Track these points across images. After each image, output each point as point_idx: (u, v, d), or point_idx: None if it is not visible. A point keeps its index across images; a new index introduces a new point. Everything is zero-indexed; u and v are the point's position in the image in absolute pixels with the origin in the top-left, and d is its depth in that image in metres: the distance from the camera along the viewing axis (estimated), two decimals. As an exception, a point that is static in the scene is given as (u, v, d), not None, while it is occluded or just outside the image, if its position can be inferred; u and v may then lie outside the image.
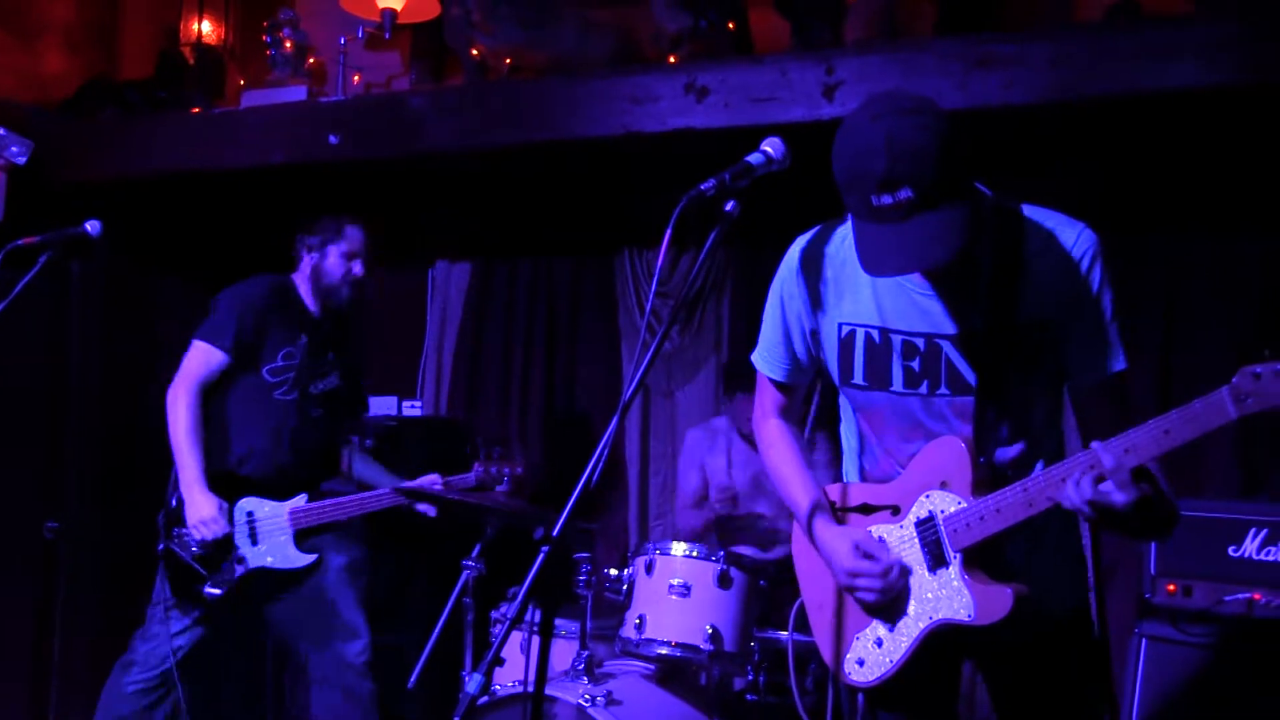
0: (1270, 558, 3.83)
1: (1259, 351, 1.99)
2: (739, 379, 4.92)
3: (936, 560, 2.42)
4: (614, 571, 4.07)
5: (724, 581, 3.89)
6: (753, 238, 5.56)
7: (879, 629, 2.52)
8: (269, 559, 4.19)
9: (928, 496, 2.44)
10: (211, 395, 4.23)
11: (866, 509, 2.57)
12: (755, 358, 2.76)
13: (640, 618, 3.89)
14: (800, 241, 2.63)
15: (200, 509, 4.07)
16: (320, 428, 4.37)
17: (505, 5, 5.27)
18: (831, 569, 2.56)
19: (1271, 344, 1.97)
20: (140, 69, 6.05)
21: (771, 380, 2.75)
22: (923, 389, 2.44)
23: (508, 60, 5.42)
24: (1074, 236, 2.35)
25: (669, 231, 2.20)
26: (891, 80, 4.37)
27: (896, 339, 2.45)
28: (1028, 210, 2.41)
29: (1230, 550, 3.91)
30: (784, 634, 4.14)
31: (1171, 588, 3.94)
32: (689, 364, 5.77)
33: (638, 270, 5.83)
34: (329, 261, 4.37)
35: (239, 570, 4.15)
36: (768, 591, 4.17)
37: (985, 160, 4.57)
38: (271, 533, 4.19)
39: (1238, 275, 4.85)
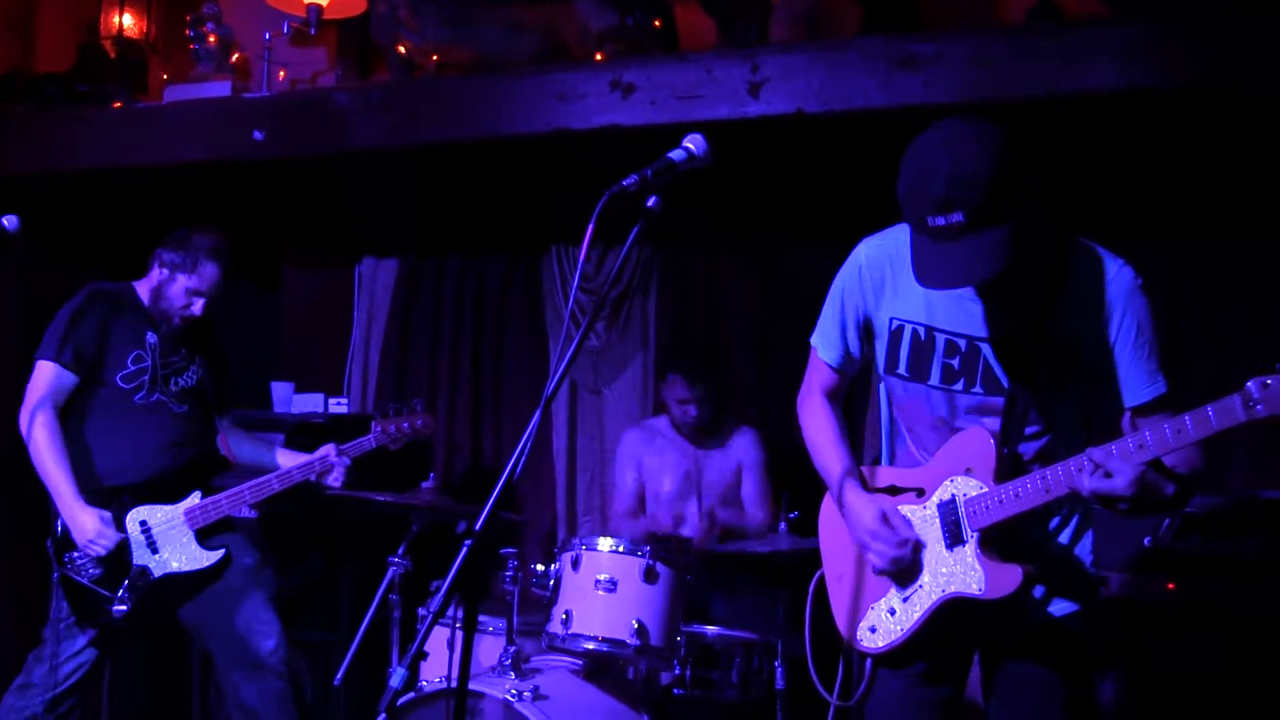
0: (1183, 546, 3.92)
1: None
2: (670, 360, 5.04)
3: (954, 538, 2.61)
4: (540, 567, 4.08)
5: (650, 576, 3.91)
6: (679, 236, 5.59)
7: (894, 599, 2.71)
8: (175, 564, 4.10)
9: (952, 481, 2.63)
10: (70, 415, 4.10)
11: (894, 490, 2.76)
12: (814, 339, 2.93)
13: (567, 613, 3.89)
14: (866, 242, 2.81)
15: (85, 526, 3.96)
16: (189, 424, 4.26)
17: (431, 2, 5.25)
18: (853, 531, 2.75)
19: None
20: (58, 62, 5.95)
21: (825, 363, 2.91)
22: (958, 385, 2.65)
23: (434, 57, 5.40)
24: (1115, 270, 2.57)
25: (591, 227, 2.23)
26: (816, 79, 4.41)
27: (940, 337, 2.65)
28: (1083, 240, 2.63)
29: (1146, 539, 3.99)
30: (710, 628, 4.18)
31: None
32: (616, 361, 5.78)
33: (565, 268, 5.83)
34: (172, 289, 4.21)
35: (144, 582, 4.04)
36: (694, 586, 4.21)
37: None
38: (171, 537, 4.10)
39: (1156, 274, 4.93)
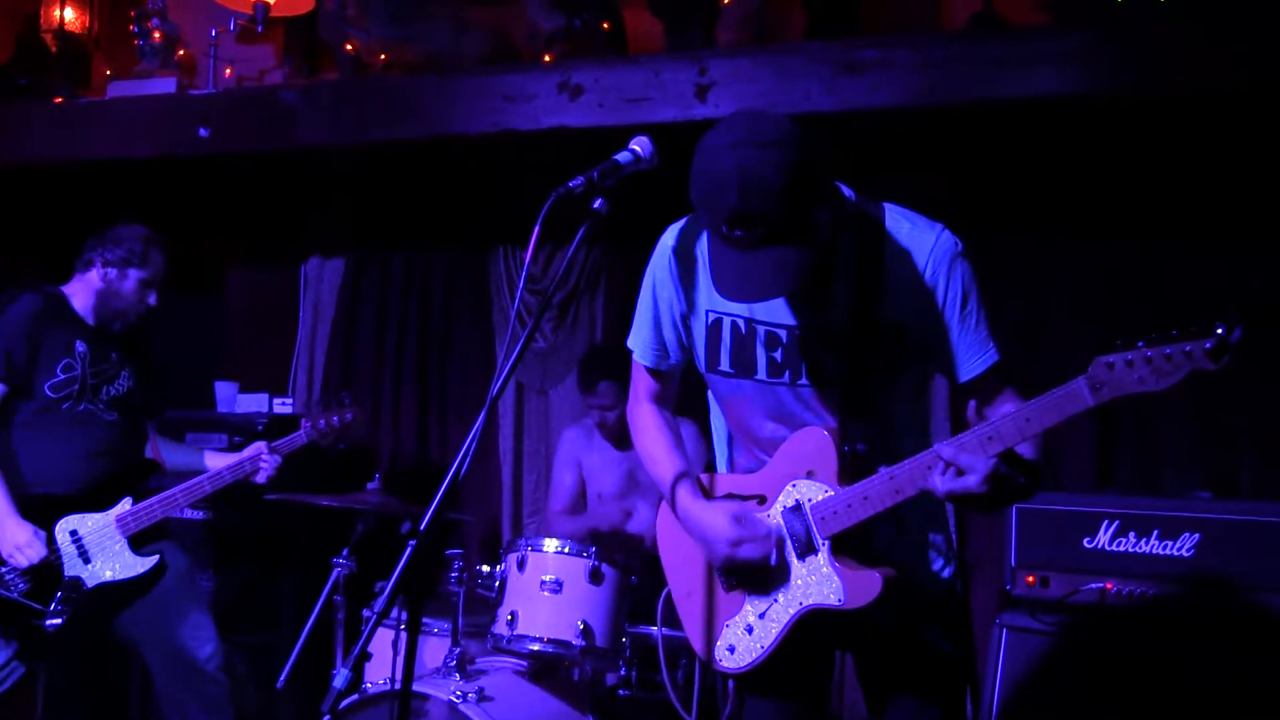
0: (1121, 548, 3.98)
1: (1112, 342, 2.08)
2: (601, 367, 4.92)
3: (805, 548, 2.46)
4: (486, 568, 4.07)
5: (595, 578, 3.91)
6: (626, 237, 5.59)
7: (749, 616, 2.56)
8: (108, 573, 4.00)
9: (794, 485, 2.47)
10: None
11: (732, 499, 2.60)
12: (630, 342, 2.79)
13: (512, 614, 3.89)
14: (673, 229, 2.65)
15: (13, 538, 3.85)
16: (118, 431, 4.17)
17: (379, 1, 5.24)
18: (708, 544, 2.56)
19: (1124, 338, 2.06)
20: (-5, 55, 5.89)
21: (644, 366, 2.77)
22: (785, 378, 2.49)
23: (382, 56, 5.39)
24: (933, 239, 2.41)
25: (537, 228, 2.23)
26: (763, 82, 4.44)
27: (761, 329, 2.50)
28: (890, 211, 2.46)
29: (1085, 541, 4.05)
30: (655, 629, 4.19)
31: (1030, 579, 4.06)
32: (563, 362, 5.78)
33: (512, 268, 5.83)
34: (126, 285, 4.15)
35: (77, 594, 3.94)
36: (639, 587, 4.22)
37: (853, 161, 4.71)
38: (103, 545, 4.01)
39: (1091, 274, 5.01)
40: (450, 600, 3.96)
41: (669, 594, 2.78)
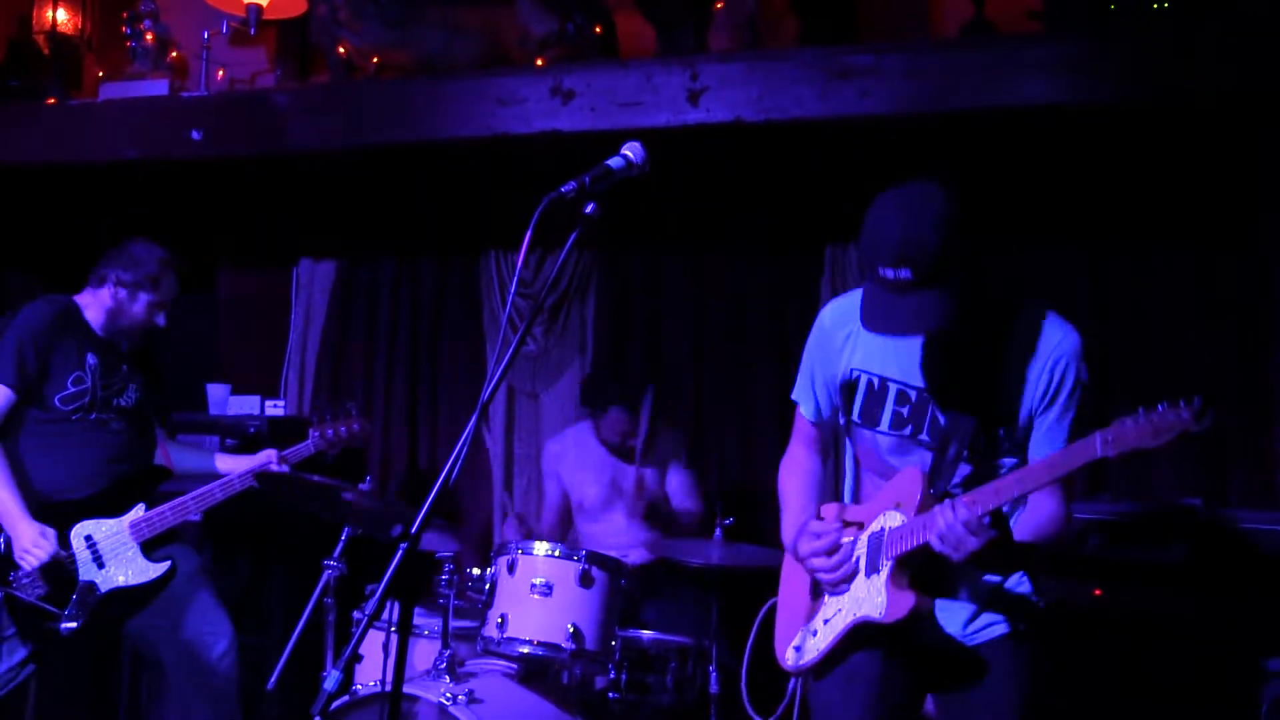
0: (1111, 553, 3.99)
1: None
2: (607, 394, 4.96)
3: (873, 567, 2.67)
4: (476, 571, 4.08)
5: (586, 581, 3.92)
6: (618, 243, 5.62)
7: (818, 621, 2.81)
8: (121, 578, 4.02)
9: (884, 515, 2.70)
10: (7, 432, 4.00)
11: (845, 524, 2.84)
12: (794, 395, 3.06)
13: (502, 617, 3.90)
14: (830, 304, 2.99)
15: (23, 536, 3.88)
16: (128, 438, 4.20)
17: (372, 4, 5.25)
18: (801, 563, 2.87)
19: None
20: (-14, 56, 5.88)
21: (803, 416, 3.05)
22: (906, 431, 2.77)
23: (374, 59, 5.39)
24: (1058, 339, 2.66)
25: (529, 232, 2.25)
26: (755, 87, 4.46)
27: (893, 387, 2.79)
28: (1030, 304, 2.73)
29: (1075, 548, 4.06)
30: (645, 633, 4.20)
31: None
32: (553, 366, 5.79)
33: (503, 271, 5.83)
34: (136, 307, 4.18)
35: (91, 598, 3.96)
36: (629, 591, 4.23)
37: (845, 168, 4.72)
38: (117, 551, 4.03)
39: (1080, 281, 5.04)
40: (441, 602, 3.96)
41: (773, 605, 3.08)
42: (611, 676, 4.06)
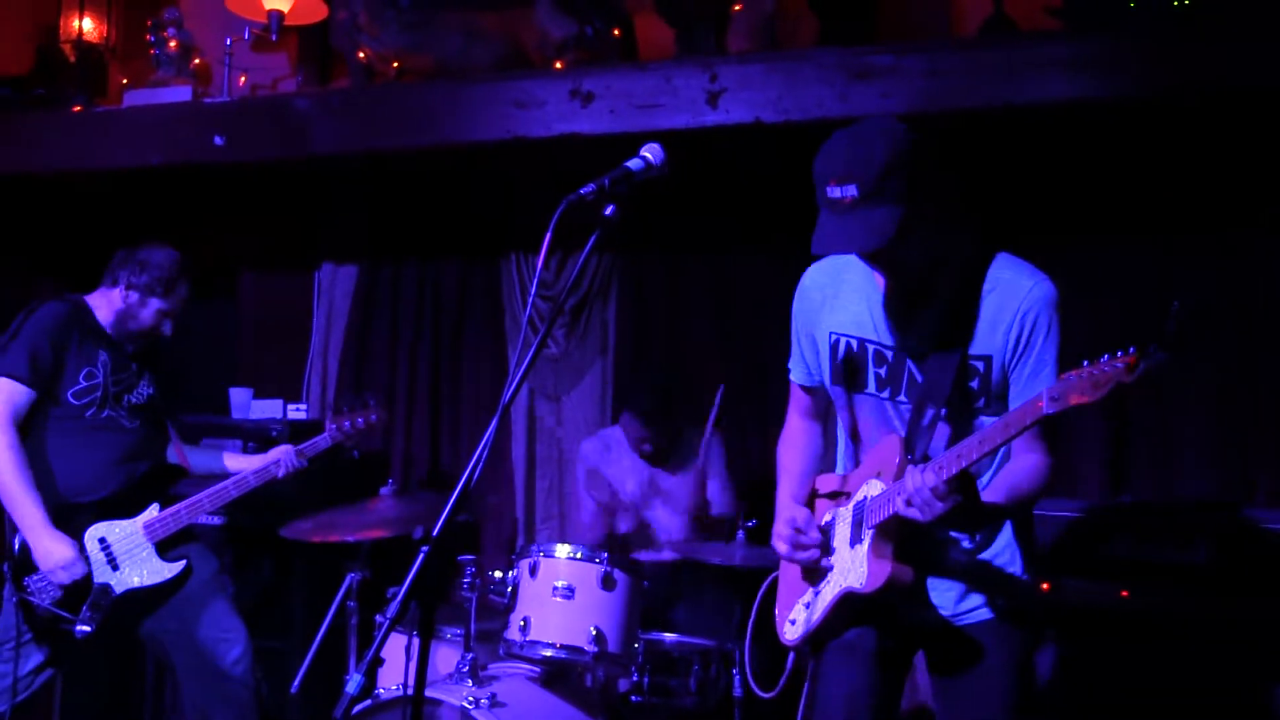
0: (1135, 554, 3.97)
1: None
2: (625, 398, 4.99)
3: (856, 537, 2.68)
4: (498, 574, 4.07)
5: (608, 583, 3.91)
6: (639, 243, 5.62)
7: (810, 594, 2.82)
8: (136, 579, 4.03)
9: (867, 484, 2.70)
10: (26, 435, 4.00)
11: (834, 495, 2.86)
12: (791, 368, 3.06)
13: (525, 620, 3.90)
14: (811, 267, 2.95)
15: (52, 553, 3.87)
16: (141, 437, 4.20)
17: (392, 9, 5.27)
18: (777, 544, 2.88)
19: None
20: (15, 65, 5.91)
21: (794, 382, 3.06)
22: (886, 394, 2.76)
23: (394, 64, 5.41)
24: (1028, 288, 2.62)
25: (549, 234, 2.26)
26: (774, 89, 4.45)
27: (870, 348, 2.77)
28: (1000, 257, 2.69)
29: (1099, 548, 4.04)
30: (668, 635, 4.20)
31: (1045, 585, 4.04)
32: (574, 368, 5.79)
33: (524, 274, 5.84)
34: (145, 312, 4.18)
35: (106, 600, 3.96)
36: (651, 592, 4.22)
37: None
38: (131, 552, 4.03)
39: (1105, 279, 5.01)
40: (463, 606, 3.96)
41: (774, 580, 3.09)
42: (634, 679, 4.06)
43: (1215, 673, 3.73)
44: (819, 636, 2.80)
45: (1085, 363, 2.18)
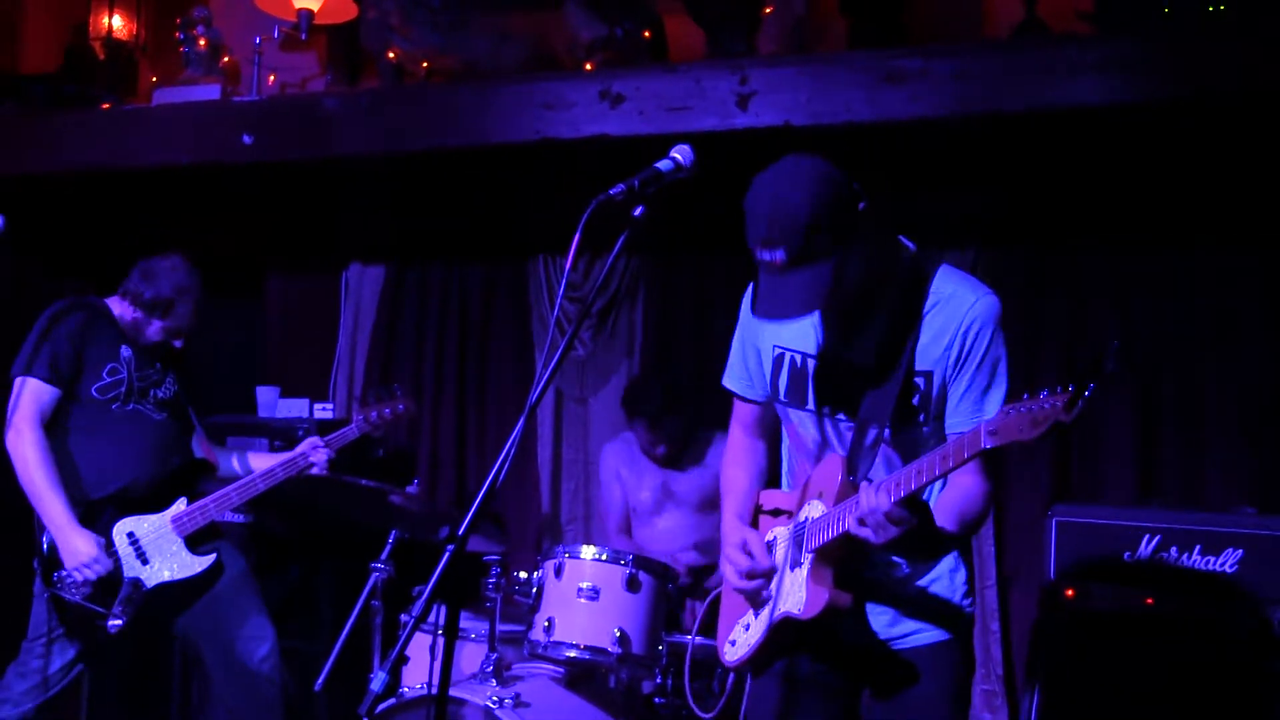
0: (1162, 561, 3.94)
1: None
2: (631, 406, 4.97)
3: (795, 560, 2.63)
4: (523, 575, 4.07)
5: (632, 585, 3.91)
6: (666, 247, 5.61)
7: (750, 615, 2.77)
8: (166, 573, 4.05)
9: (809, 504, 2.65)
10: (49, 430, 4.03)
11: (776, 513, 2.80)
12: (725, 380, 3.00)
13: (549, 620, 3.90)
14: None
15: (77, 550, 3.90)
16: (168, 431, 4.22)
17: (422, 9, 5.27)
18: (725, 567, 2.80)
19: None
20: (45, 63, 5.95)
21: (735, 394, 2.98)
22: (827, 411, 2.70)
23: (424, 64, 5.42)
24: (971, 302, 2.57)
25: (578, 234, 2.26)
26: (804, 91, 4.43)
27: (812, 364, 2.71)
28: (942, 271, 2.63)
29: (1126, 555, 4.01)
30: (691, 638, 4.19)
31: (1070, 592, 4.02)
32: (601, 370, 5.79)
33: (551, 276, 5.84)
34: (149, 330, 4.20)
35: (137, 594, 3.98)
36: (676, 595, 4.21)
37: (894, 172, 4.69)
38: (160, 546, 4.06)
39: (1136, 284, 4.99)
40: (488, 606, 3.97)
41: (718, 597, 3.03)
42: (658, 681, 4.05)
43: (1242, 681, 3.69)
44: (758, 659, 2.75)
45: (1025, 396, 2.13)
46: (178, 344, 4.25)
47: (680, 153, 2.49)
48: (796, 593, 2.58)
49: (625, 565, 3.92)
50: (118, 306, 4.23)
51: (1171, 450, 4.90)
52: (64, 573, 3.93)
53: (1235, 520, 3.93)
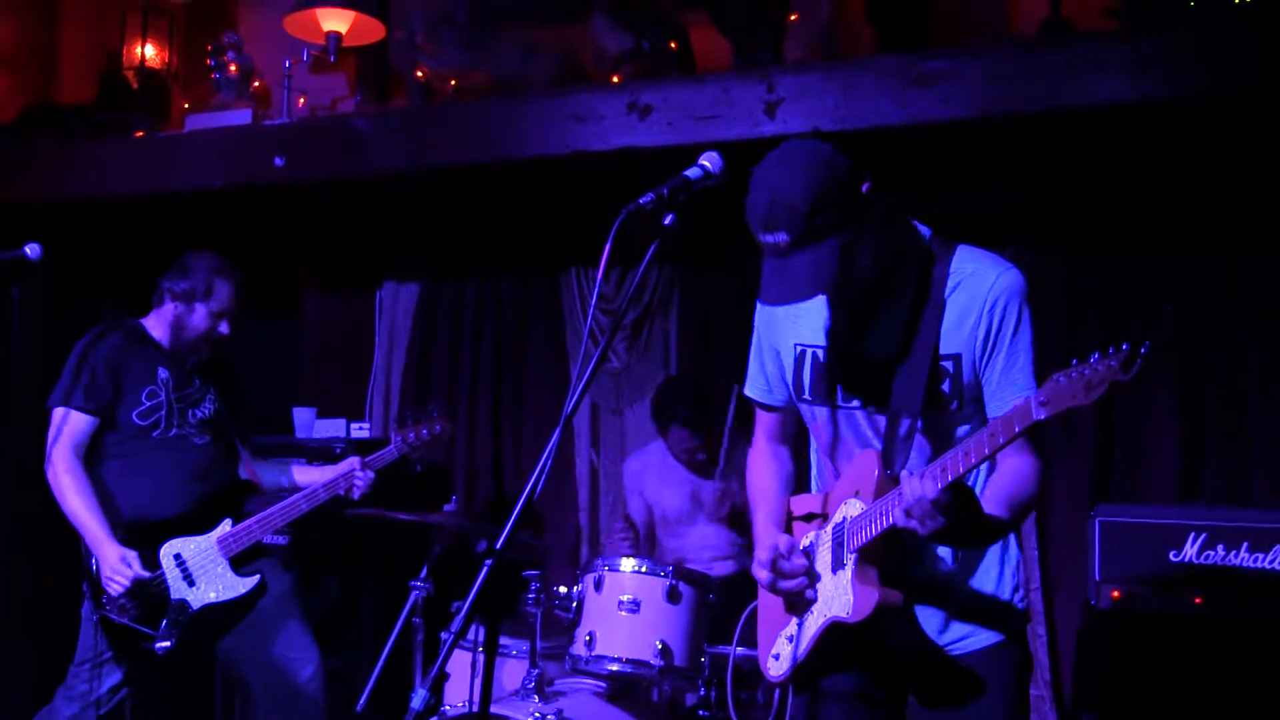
0: (1209, 561, 3.89)
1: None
2: (668, 413, 4.95)
3: (838, 562, 2.55)
4: (563, 589, 4.06)
5: (673, 596, 3.90)
6: (700, 256, 5.60)
7: (793, 626, 2.67)
8: (212, 594, 4.07)
9: (845, 504, 2.58)
10: (90, 459, 4.06)
11: (809, 517, 2.73)
12: (745, 389, 2.93)
13: (590, 635, 3.89)
14: None
15: (109, 559, 3.92)
16: (211, 453, 4.24)
17: (448, 27, 5.30)
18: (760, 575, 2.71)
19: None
20: (80, 92, 6.03)
21: (757, 403, 2.92)
22: (856, 404, 2.63)
23: (452, 82, 5.44)
24: (994, 278, 2.51)
25: (608, 244, 2.25)
26: (831, 98, 4.42)
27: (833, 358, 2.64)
28: (961, 250, 2.57)
29: (1172, 555, 3.97)
30: (735, 648, 4.17)
31: (1116, 594, 3.98)
32: (637, 382, 5.79)
33: (584, 289, 5.84)
34: (194, 318, 4.20)
35: (184, 616, 4.00)
36: (717, 606, 4.19)
37: (923, 174, 4.67)
38: (206, 567, 4.07)
39: (1167, 283, 4.94)
40: (528, 621, 3.96)
41: (754, 609, 2.92)
42: (702, 693, 4.03)
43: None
44: (805, 671, 2.65)
45: (1075, 362, 2.06)
46: (225, 329, 4.22)
47: (709, 160, 2.47)
48: (843, 595, 2.49)
49: (665, 577, 3.91)
50: (156, 320, 4.25)
51: (1214, 448, 4.84)
52: (113, 595, 3.95)
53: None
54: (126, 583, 3.92)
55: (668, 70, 4.96)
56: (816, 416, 2.74)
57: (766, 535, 2.73)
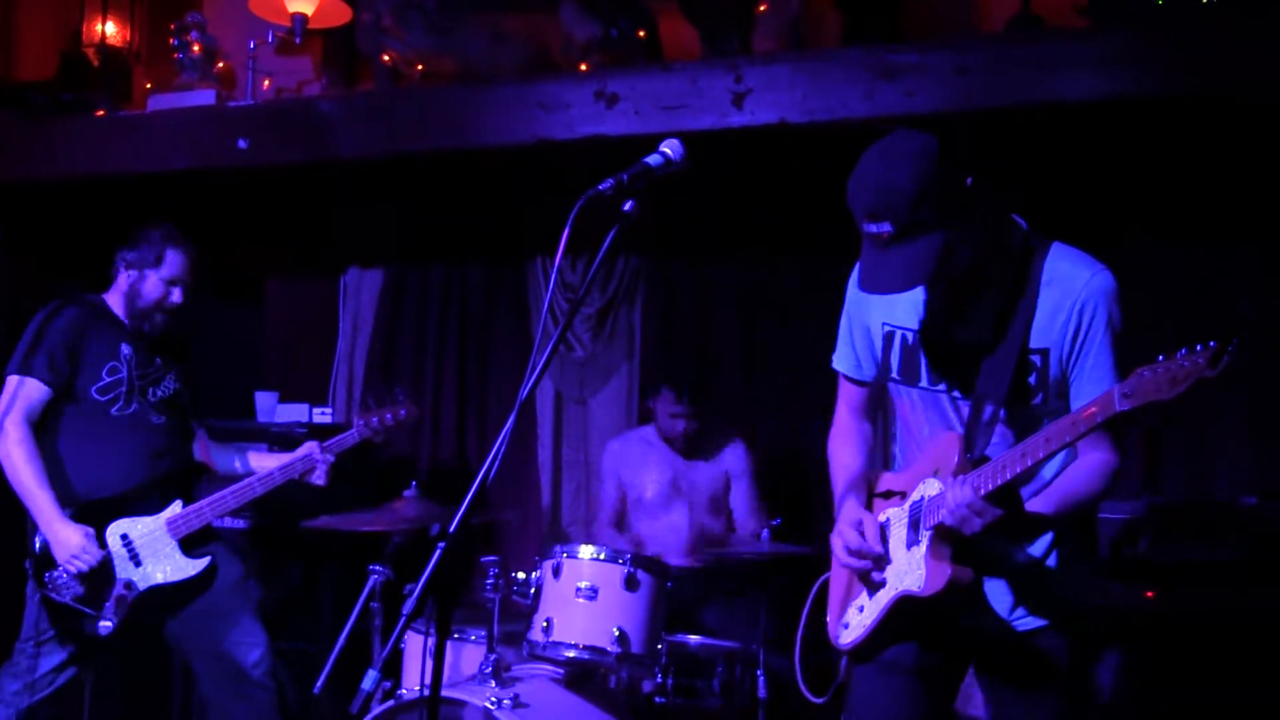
0: (1161, 555, 3.92)
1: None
2: (657, 372, 5.01)
3: (913, 538, 2.62)
4: (521, 575, 4.06)
5: (631, 584, 3.90)
6: (665, 246, 5.60)
7: (864, 598, 2.76)
8: (160, 575, 4.02)
9: (924, 483, 2.64)
10: (45, 430, 4.02)
11: (888, 494, 2.81)
12: (834, 361, 2.99)
13: (548, 621, 3.88)
14: None
15: (67, 543, 3.88)
16: (167, 433, 4.20)
17: (416, 12, 5.27)
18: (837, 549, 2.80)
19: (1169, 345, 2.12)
20: (40, 71, 5.94)
21: (844, 376, 2.98)
22: (941, 388, 2.70)
23: (419, 67, 5.41)
24: (1086, 278, 2.56)
25: (567, 229, 2.25)
26: (800, 89, 4.43)
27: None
28: (1056, 247, 2.64)
29: (1124, 549, 4.00)
30: (692, 637, 4.18)
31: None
32: (601, 371, 5.78)
33: (550, 277, 5.83)
34: (146, 285, 4.16)
35: (129, 596, 3.96)
36: (676, 594, 4.20)
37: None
38: (154, 548, 4.03)
39: (1135, 280, 4.95)
40: (486, 607, 3.95)
41: (825, 581, 3.02)
42: (658, 680, 4.05)
43: (1246, 672, 3.67)
44: (874, 641, 2.73)
45: (1161, 358, 2.11)
46: (177, 297, 4.17)
47: (670, 147, 2.47)
48: (915, 570, 2.57)
49: (623, 564, 3.91)
50: (114, 293, 4.22)
51: (1178, 442, 4.87)
52: (55, 573, 3.91)
53: (1236, 510, 3.93)
54: (93, 562, 3.89)
55: (635, 59, 4.95)
56: (902, 396, 2.81)
57: (849, 509, 2.79)
